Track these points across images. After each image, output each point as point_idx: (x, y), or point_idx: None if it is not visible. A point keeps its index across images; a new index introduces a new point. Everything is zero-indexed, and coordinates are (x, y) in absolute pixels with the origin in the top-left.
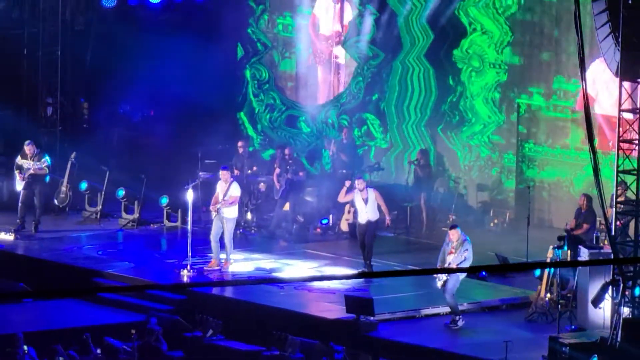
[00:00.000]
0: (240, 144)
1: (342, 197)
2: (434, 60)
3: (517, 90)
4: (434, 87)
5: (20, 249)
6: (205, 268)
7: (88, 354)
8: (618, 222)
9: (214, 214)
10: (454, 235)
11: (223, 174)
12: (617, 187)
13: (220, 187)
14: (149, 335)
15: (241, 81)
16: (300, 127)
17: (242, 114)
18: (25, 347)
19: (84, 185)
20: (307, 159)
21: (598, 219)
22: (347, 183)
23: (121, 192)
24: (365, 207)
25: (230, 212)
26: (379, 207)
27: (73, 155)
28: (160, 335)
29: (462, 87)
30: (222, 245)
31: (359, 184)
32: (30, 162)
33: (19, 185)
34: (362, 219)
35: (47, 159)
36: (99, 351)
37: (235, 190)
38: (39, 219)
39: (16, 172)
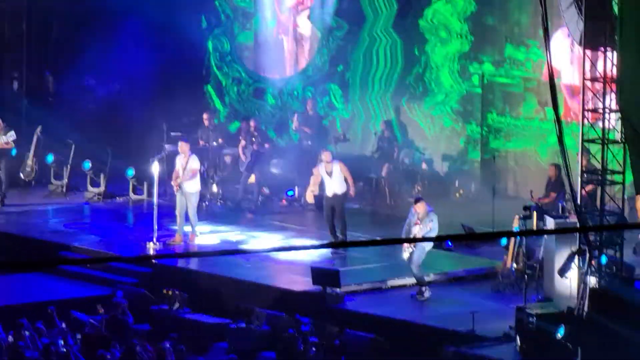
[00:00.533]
0: (205, 116)
1: (313, 178)
2: (402, 32)
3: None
4: (400, 59)
5: None
6: (167, 242)
7: (53, 328)
8: (583, 191)
9: (176, 189)
10: (420, 207)
11: (181, 146)
12: (582, 156)
13: (179, 161)
14: (115, 309)
15: (205, 53)
16: (266, 99)
17: (209, 86)
18: None
19: (50, 159)
20: (275, 131)
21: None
22: (315, 171)
23: (87, 164)
24: (331, 179)
25: (192, 186)
26: (345, 179)
27: (39, 129)
28: (127, 309)
29: (426, 58)
30: (187, 219)
31: (325, 156)
32: None
33: None
34: (329, 191)
35: (12, 133)
36: (64, 325)
37: (195, 163)
38: (5, 193)
39: None
